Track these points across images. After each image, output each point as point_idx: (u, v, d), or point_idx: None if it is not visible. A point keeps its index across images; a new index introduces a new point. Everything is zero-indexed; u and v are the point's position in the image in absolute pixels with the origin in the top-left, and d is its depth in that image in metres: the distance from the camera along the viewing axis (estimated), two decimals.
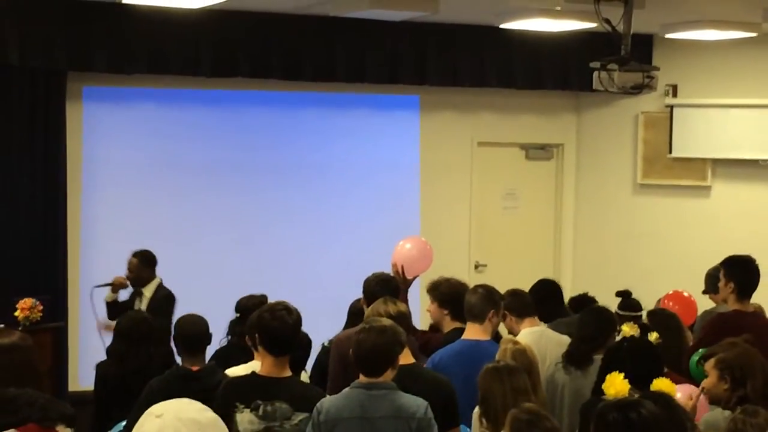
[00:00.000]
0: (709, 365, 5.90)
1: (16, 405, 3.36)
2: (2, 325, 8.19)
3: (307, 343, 7.01)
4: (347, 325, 7.93)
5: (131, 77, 11.46)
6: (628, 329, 6.43)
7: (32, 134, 11.19)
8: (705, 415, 5.73)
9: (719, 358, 5.86)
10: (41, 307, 8.88)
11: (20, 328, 8.05)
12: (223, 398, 5.81)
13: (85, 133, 11.73)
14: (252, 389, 5.78)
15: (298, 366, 6.58)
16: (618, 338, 6.59)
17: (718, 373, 5.84)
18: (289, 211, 12.53)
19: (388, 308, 6.57)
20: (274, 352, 5.78)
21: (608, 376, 5.26)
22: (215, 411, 5.70)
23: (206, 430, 2.78)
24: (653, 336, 6.69)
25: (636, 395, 4.81)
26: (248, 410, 5.74)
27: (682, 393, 5.98)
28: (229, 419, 5.74)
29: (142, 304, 10.11)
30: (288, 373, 5.85)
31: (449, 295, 7.57)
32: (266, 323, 5.79)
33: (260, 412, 5.72)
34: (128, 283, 10.37)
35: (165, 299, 10.08)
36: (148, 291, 10.22)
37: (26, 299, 8.87)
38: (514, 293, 7.83)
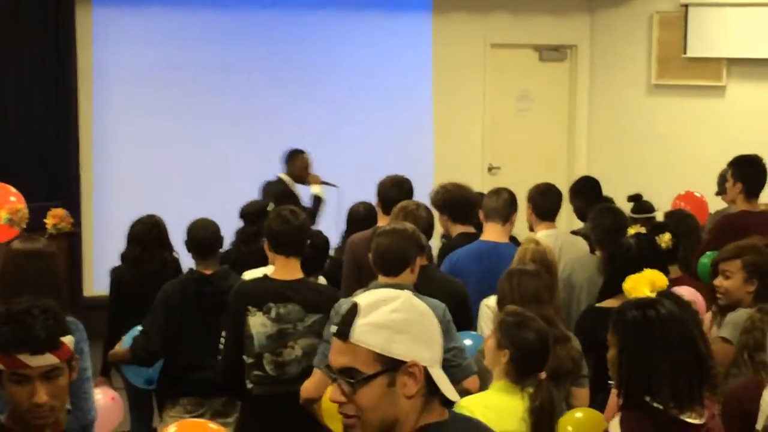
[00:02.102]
0: (734, 266, 5.87)
1: None
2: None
3: (322, 242, 6.97)
4: (348, 231, 7.89)
5: None
6: (632, 231, 6.41)
7: (42, 39, 11.17)
8: (731, 313, 5.73)
9: (749, 260, 5.84)
10: (72, 220, 8.90)
11: (46, 236, 8.07)
12: (235, 302, 5.86)
13: (95, 37, 11.68)
14: (264, 292, 5.81)
15: (315, 265, 6.58)
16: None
17: (745, 275, 5.83)
18: (299, 113, 12.48)
19: (417, 203, 6.69)
20: (282, 253, 5.85)
21: (629, 278, 5.24)
22: (228, 314, 5.81)
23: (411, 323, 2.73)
24: (666, 237, 6.66)
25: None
26: (260, 313, 5.77)
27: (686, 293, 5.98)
28: (241, 323, 5.79)
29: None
30: (299, 275, 5.89)
31: (443, 200, 7.55)
32: (272, 225, 5.90)
33: (272, 314, 5.76)
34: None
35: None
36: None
37: (59, 209, 8.88)
38: (546, 192, 7.69)
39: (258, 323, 5.77)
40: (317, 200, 10.54)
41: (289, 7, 12.42)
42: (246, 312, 5.79)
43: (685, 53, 12.62)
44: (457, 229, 7.45)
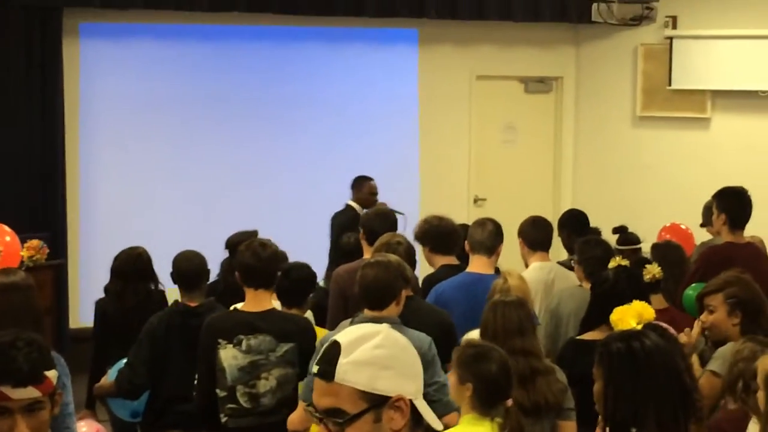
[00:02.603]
0: (716, 300, 5.88)
1: None
2: None
3: (307, 275, 6.89)
4: (337, 263, 7.87)
5: (128, 13, 11.40)
6: (614, 263, 6.39)
7: (29, 72, 11.15)
8: (720, 348, 5.71)
9: (731, 293, 5.85)
10: (47, 251, 8.89)
11: (23, 268, 8.04)
12: (205, 336, 5.89)
13: (82, 70, 11.69)
14: (233, 325, 5.84)
15: (299, 298, 6.55)
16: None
17: (728, 308, 5.83)
18: (286, 146, 12.49)
19: (398, 238, 6.67)
20: (251, 285, 5.90)
21: (616, 310, 5.24)
22: (199, 349, 5.79)
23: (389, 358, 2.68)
24: (654, 269, 6.65)
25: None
26: (231, 345, 5.77)
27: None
28: (212, 356, 5.79)
29: None
30: (269, 306, 5.90)
31: (423, 232, 7.53)
32: (241, 257, 5.95)
33: (243, 346, 5.77)
34: None
35: None
36: None
37: (33, 240, 8.87)
38: (535, 223, 7.68)
39: (229, 356, 5.77)
40: None
41: (275, 39, 12.45)
42: (216, 345, 5.79)
43: (669, 85, 12.67)
44: (440, 261, 7.43)
